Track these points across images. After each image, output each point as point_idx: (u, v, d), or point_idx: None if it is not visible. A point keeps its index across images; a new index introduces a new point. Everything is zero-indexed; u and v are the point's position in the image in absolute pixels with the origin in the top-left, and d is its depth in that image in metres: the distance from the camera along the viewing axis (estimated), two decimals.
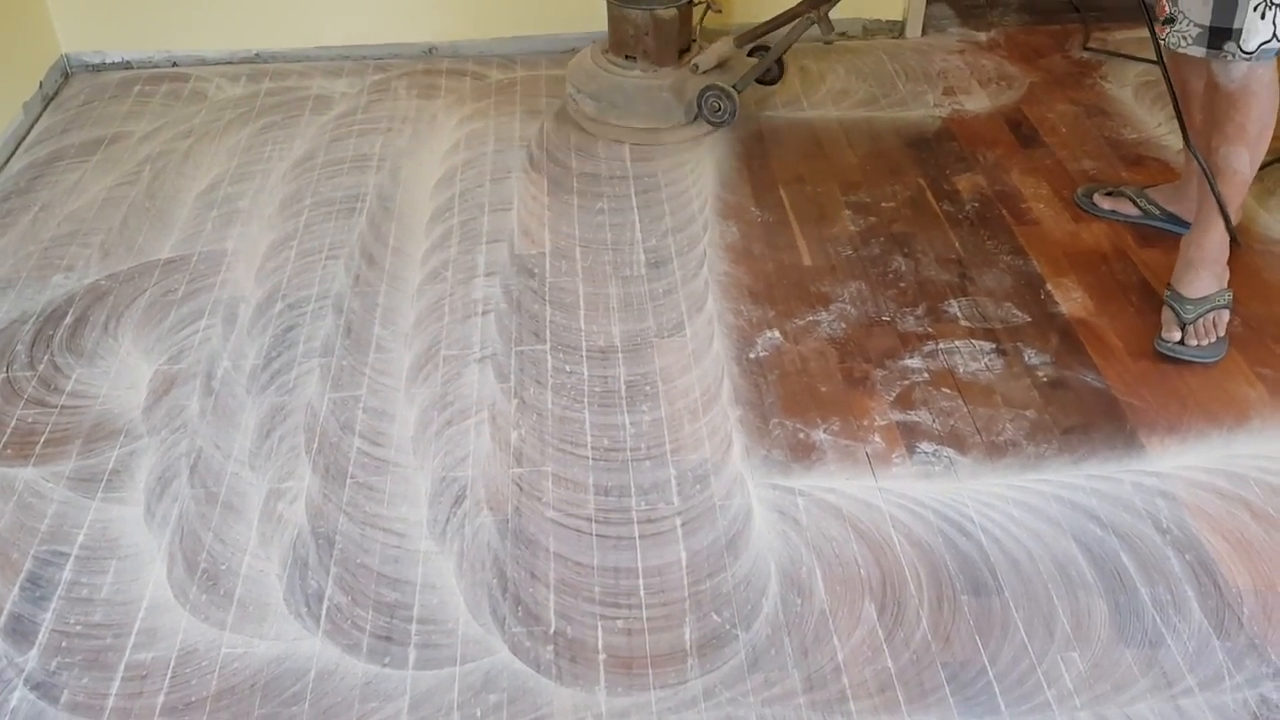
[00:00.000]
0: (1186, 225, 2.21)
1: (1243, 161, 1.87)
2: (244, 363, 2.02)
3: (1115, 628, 1.51)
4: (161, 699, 1.47)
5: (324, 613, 1.57)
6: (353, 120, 2.78)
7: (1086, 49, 3.03)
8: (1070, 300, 2.09)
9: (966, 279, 2.16)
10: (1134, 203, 2.27)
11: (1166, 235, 2.24)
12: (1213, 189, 1.87)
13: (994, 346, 1.99)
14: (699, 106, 2.56)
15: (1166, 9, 1.82)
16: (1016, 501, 1.69)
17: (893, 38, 3.14)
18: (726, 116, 2.55)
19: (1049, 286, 2.13)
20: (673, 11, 2.53)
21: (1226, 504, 1.68)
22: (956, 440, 1.81)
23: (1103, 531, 1.64)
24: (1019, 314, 2.07)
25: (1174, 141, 2.58)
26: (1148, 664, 1.47)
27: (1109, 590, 1.56)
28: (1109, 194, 2.32)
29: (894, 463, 1.78)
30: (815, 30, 2.52)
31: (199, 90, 2.96)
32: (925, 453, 1.79)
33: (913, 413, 1.87)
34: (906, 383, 1.93)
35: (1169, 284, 2.02)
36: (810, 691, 1.45)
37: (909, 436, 1.82)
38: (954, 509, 1.69)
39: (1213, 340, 1.94)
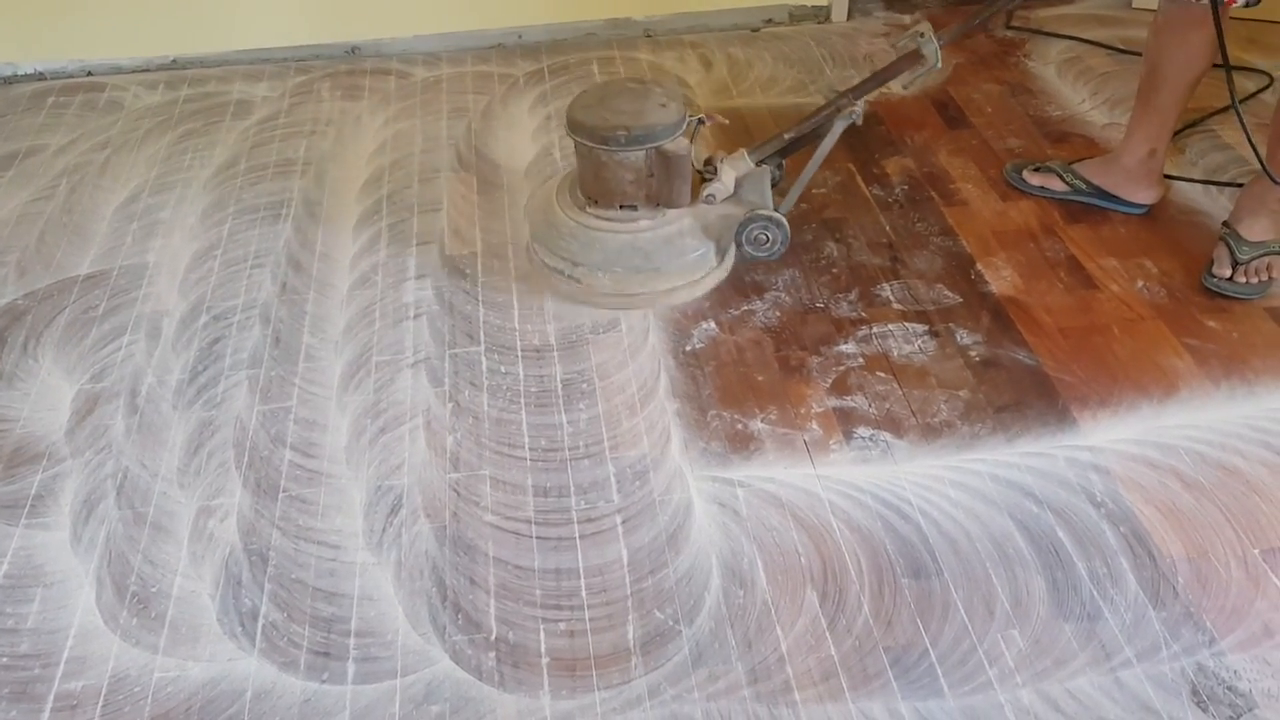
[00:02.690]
0: (1114, 199, 2.25)
1: None
2: (169, 378, 1.97)
3: (1054, 603, 1.52)
4: None
5: (259, 631, 1.53)
6: (275, 125, 2.73)
7: (1009, 28, 3.06)
8: (1000, 279, 2.11)
9: (898, 262, 2.17)
10: (1061, 178, 2.30)
11: (1093, 211, 2.27)
12: (1253, 146, 1.94)
13: (926, 328, 2.00)
14: (739, 243, 2.12)
15: None
16: (953, 482, 1.70)
17: (819, 23, 3.15)
18: (777, 247, 2.11)
19: (979, 266, 2.14)
20: (683, 142, 1.95)
21: (1158, 475, 1.70)
22: (892, 424, 1.81)
23: (1038, 508, 1.65)
24: (950, 295, 2.08)
25: (1097, 117, 2.61)
26: (1086, 638, 1.48)
27: (1046, 566, 1.57)
28: (1037, 169, 2.34)
29: (832, 449, 1.78)
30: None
31: (115, 99, 2.88)
32: (862, 438, 1.79)
33: (849, 398, 1.87)
34: (842, 368, 1.93)
35: (1226, 223, 2.09)
36: (755, 684, 1.44)
37: (846, 422, 1.82)
38: (892, 492, 1.69)
39: (1260, 281, 2.03)
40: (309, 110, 2.79)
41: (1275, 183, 1.97)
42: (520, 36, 3.08)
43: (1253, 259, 2.02)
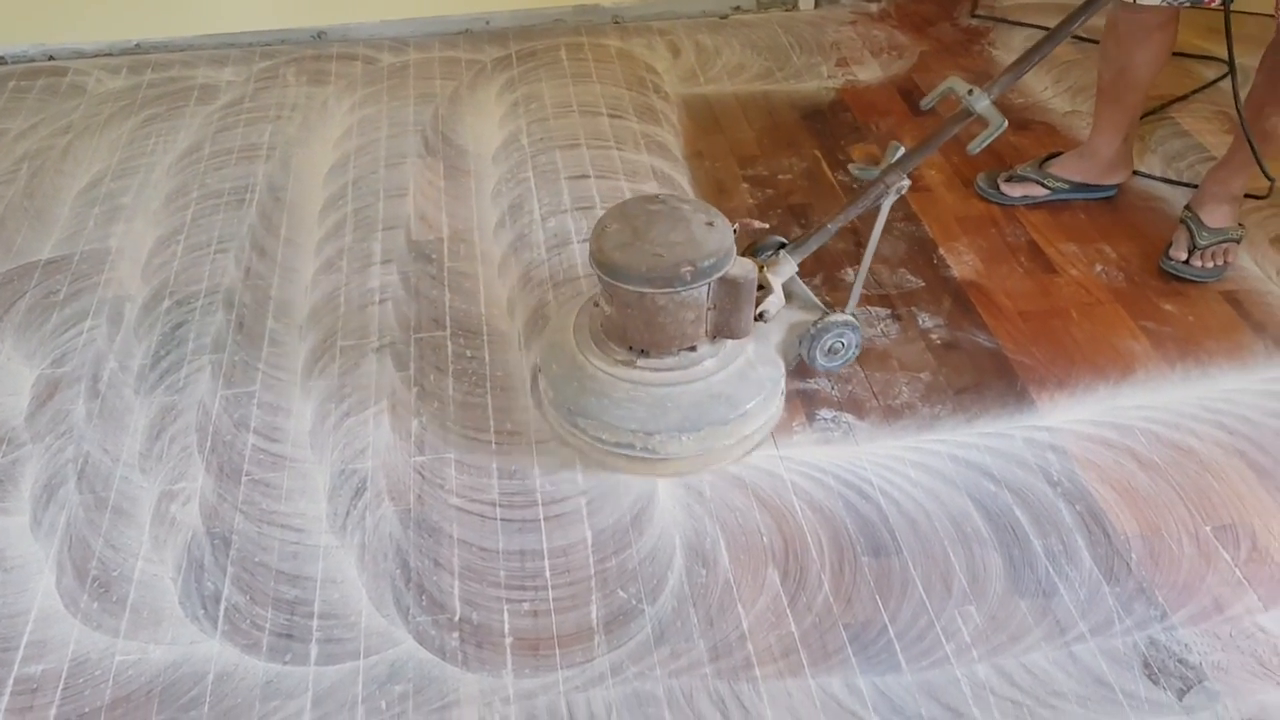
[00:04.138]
0: (1102, 188, 2.27)
1: None
2: (131, 363, 1.96)
3: (1010, 580, 1.55)
4: (54, 712, 1.42)
5: (221, 614, 1.53)
6: (240, 109, 2.71)
7: (974, 16, 3.08)
8: (962, 263, 2.13)
9: (862, 247, 2.19)
10: (1041, 184, 2.29)
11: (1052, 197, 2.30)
12: (1253, 147, 1.94)
13: (889, 312, 2.02)
14: (811, 358, 1.84)
15: None
16: (913, 462, 1.72)
17: (786, 10, 3.16)
18: (851, 352, 1.86)
19: (941, 251, 2.17)
20: (746, 264, 1.62)
21: (1114, 454, 1.73)
22: (854, 405, 1.83)
23: (996, 487, 1.68)
24: (913, 279, 2.10)
25: (1059, 104, 2.64)
26: (1042, 613, 1.50)
27: (1003, 544, 1.60)
28: (1010, 179, 2.31)
29: (795, 430, 1.79)
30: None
31: (77, 84, 2.86)
32: (825, 419, 1.81)
33: (812, 380, 1.88)
34: None
35: (1189, 206, 2.11)
36: (716, 661, 1.46)
37: (809, 404, 1.84)
38: (853, 473, 1.71)
39: (1216, 265, 2.06)
40: (274, 95, 2.77)
41: (1270, 180, 2.00)
42: (488, 22, 3.07)
43: (1210, 245, 2.06)
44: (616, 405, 1.65)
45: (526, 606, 1.54)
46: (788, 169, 2.44)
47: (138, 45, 2.99)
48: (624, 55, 2.94)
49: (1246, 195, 2.11)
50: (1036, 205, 2.28)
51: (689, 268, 1.55)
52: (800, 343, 1.83)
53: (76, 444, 1.80)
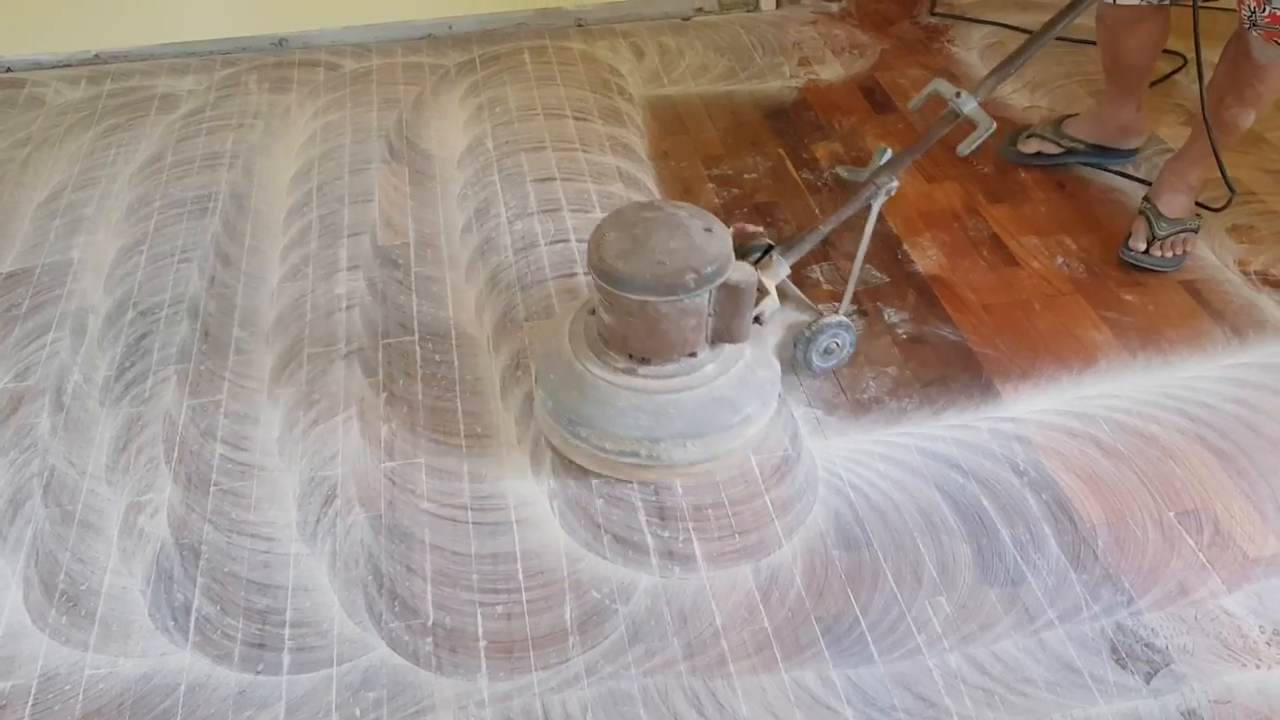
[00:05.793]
0: (1118, 154, 2.35)
1: (1248, 120, 2.00)
2: (96, 375, 1.94)
3: (979, 569, 1.56)
4: None
5: (192, 625, 1.52)
6: (201, 118, 2.69)
7: (934, 14, 3.11)
8: (926, 258, 2.15)
9: (828, 244, 2.20)
10: (1056, 142, 2.36)
11: (1015, 190, 2.32)
12: (1213, 145, 1.95)
13: (855, 308, 2.04)
14: (807, 359, 1.86)
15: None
16: (882, 456, 1.74)
17: (748, 11, 3.18)
18: (846, 351, 1.87)
19: (905, 246, 2.19)
20: (746, 269, 1.63)
21: (1078, 443, 1.75)
22: (823, 401, 1.84)
23: (963, 478, 1.70)
24: (878, 275, 2.12)
25: (1018, 100, 2.67)
26: (1011, 602, 1.52)
27: (972, 534, 1.61)
28: (1028, 137, 2.40)
29: None
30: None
31: (36, 95, 2.82)
32: (794, 416, 1.82)
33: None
34: None
35: (1147, 197, 2.14)
36: (690, 658, 1.46)
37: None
38: (823, 467, 1.72)
39: (1175, 255, 2.09)
40: (236, 103, 2.75)
41: (1233, 192, 2.04)
42: (450, 27, 3.07)
43: (1169, 235, 2.09)
44: (620, 414, 1.64)
45: (500, 610, 1.54)
46: (752, 168, 2.46)
47: (96, 55, 2.96)
48: (587, 58, 2.95)
49: (1201, 206, 2.15)
50: (998, 199, 2.30)
51: (692, 275, 1.53)
52: (795, 345, 1.84)
53: (42, 457, 1.78)
